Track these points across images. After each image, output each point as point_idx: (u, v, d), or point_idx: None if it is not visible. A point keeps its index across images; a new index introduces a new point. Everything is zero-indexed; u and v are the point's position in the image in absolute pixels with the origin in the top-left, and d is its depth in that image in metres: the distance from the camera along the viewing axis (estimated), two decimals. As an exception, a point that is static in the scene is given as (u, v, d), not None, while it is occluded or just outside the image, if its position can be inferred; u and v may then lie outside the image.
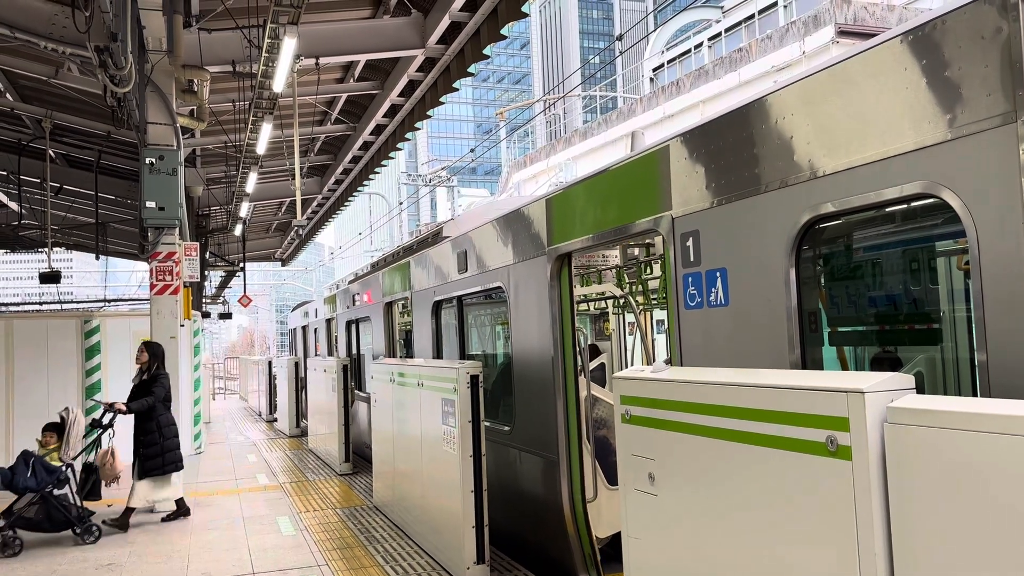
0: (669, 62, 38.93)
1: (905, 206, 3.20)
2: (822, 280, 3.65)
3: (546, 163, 33.55)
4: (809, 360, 3.55)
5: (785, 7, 31.99)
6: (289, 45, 7.67)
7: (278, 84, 8.88)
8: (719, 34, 35.95)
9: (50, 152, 14.86)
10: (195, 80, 10.23)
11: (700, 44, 36.99)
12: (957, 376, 3.21)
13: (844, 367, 3.66)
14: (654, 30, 36.67)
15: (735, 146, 3.87)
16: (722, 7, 38.75)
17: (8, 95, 12.47)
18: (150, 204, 9.11)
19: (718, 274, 4.02)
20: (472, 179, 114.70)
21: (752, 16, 33.42)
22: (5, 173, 16.05)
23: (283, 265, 34.93)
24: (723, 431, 2.95)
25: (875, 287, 3.45)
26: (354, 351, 13.99)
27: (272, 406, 20.91)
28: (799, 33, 20.87)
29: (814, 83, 3.39)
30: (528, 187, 33.84)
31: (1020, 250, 2.56)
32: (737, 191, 3.86)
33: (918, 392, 2.43)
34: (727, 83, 22.85)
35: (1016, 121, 2.56)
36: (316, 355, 18.45)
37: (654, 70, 40.16)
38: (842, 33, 19.35)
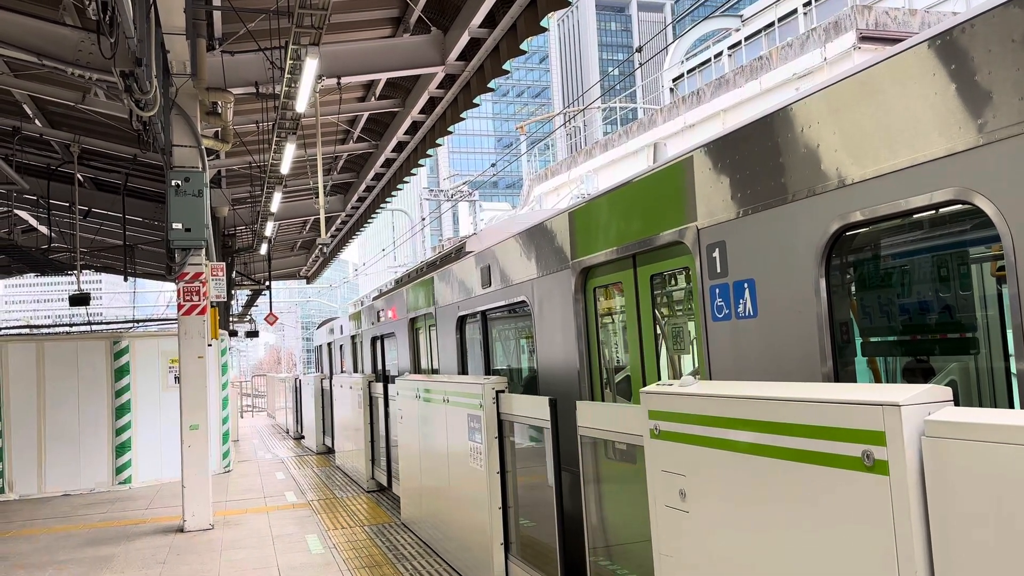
0: (689, 72, 38.87)
1: (936, 213, 3.14)
2: (853, 290, 3.59)
3: (567, 175, 33.57)
4: (841, 371, 3.48)
5: (805, 14, 31.82)
6: (311, 66, 7.74)
7: (300, 104, 8.96)
8: (739, 43, 35.84)
9: (78, 176, 15.10)
10: (219, 102, 10.35)
11: (720, 53, 36.89)
12: (992, 386, 3.13)
13: (877, 378, 3.59)
14: (673, 41, 36.62)
15: (761, 155, 3.83)
16: (741, 16, 38.63)
17: (37, 121, 12.70)
18: (177, 225, 9.21)
19: (746, 285, 3.97)
20: (493, 193, 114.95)
21: (772, 24, 33.28)
22: (35, 197, 16.33)
23: (308, 283, 35.17)
24: (755, 446, 2.90)
25: (907, 296, 3.38)
26: (379, 367, 14.02)
27: (300, 423, 21.01)
28: (820, 40, 20.73)
29: (840, 90, 3.35)
30: (549, 200, 33.87)
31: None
32: (764, 201, 3.81)
33: (955, 404, 2.36)
34: (748, 92, 22.76)
35: (1050, 124, 2.50)
36: (342, 372, 18.51)
37: (674, 80, 40.09)
38: (864, 39, 19.20)
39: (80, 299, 15.18)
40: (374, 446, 11.77)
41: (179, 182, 9.26)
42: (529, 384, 7.48)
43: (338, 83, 10.73)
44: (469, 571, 6.58)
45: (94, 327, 26.62)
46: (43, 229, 18.04)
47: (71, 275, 19.37)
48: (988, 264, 3.09)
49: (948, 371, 3.28)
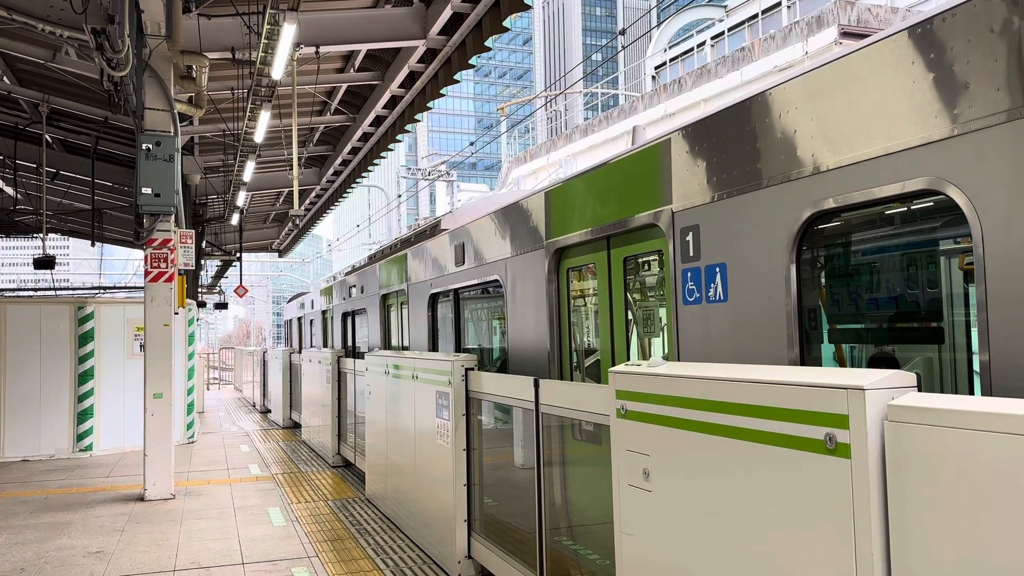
0: (671, 60, 38.86)
1: (909, 203, 3.15)
2: (823, 277, 3.60)
3: (546, 159, 33.48)
4: (808, 358, 3.50)
5: (789, 7, 31.92)
6: (288, 32, 7.61)
7: (277, 71, 8.80)
8: (722, 33, 35.89)
9: (47, 137, 14.76)
10: (194, 66, 10.15)
11: (703, 43, 36.92)
12: (955, 377, 3.16)
13: (843, 366, 3.61)
14: (656, 26, 36.53)
15: (737, 140, 3.82)
16: (725, 6, 38.65)
17: (5, 78, 12.37)
18: (146, 190, 9.03)
19: (717, 269, 3.97)
20: (472, 174, 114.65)
21: (755, 16, 33.36)
22: (1, 157, 15.95)
23: (280, 256, 34.83)
24: (720, 427, 2.90)
25: (876, 285, 3.40)
26: (349, 343, 13.94)
27: (266, 397, 20.86)
28: (802, 33, 20.81)
29: (818, 77, 3.34)
30: (528, 183, 33.79)
31: (1026, 248, 2.51)
32: (738, 186, 3.81)
33: (918, 391, 2.38)
34: (729, 82, 22.81)
35: (1024, 117, 2.51)
36: (311, 347, 18.38)
37: (656, 68, 40.08)
38: (845, 34, 19.29)
39: (45, 263, 14.88)
40: (341, 422, 11.71)
41: (150, 146, 9.08)
42: (499, 363, 7.47)
43: (316, 52, 10.57)
44: (432, 547, 6.58)
45: (59, 292, 26.16)
46: (9, 190, 17.64)
47: (36, 238, 19.00)
48: (957, 255, 3.11)
49: (914, 362, 3.30)
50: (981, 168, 2.65)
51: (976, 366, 2.96)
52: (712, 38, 36.39)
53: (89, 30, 7.03)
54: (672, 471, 3.20)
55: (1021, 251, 2.53)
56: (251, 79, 9.66)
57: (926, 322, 3.22)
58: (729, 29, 35.33)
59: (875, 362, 3.47)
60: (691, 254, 4.18)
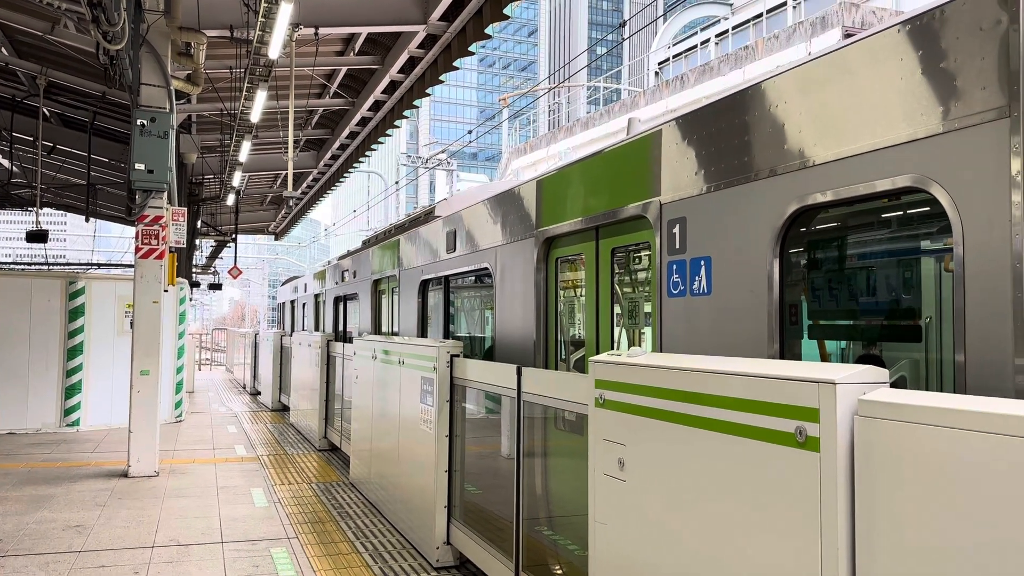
0: (675, 56, 38.77)
1: (893, 200, 3.14)
2: (806, 273, 3.59)
3: (546, 151, 33.43)
4: (788, 353, 3.49)
5: (794, 7, 31.84)
6: (285, 10, 7.56)
7: (273, 50, 8.75)
8: (726, 31, 35.79)
9: (44, 110, 14.68)
10: (192, 43, 10.09)
11: (707, 40, 36.82)
12: (940, 375, 3.15)
13: (824, 360, 3.59)
14: (660, 15, 36.35)
15: (725, 133, 3.80)
16: (731, 4, 38.53)
17: (3, 49, 12.29)
18: (139, 166, 8.98)
19: (702, 263, 3.96)
20: (472, 164, 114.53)
21: (761, 15, 33.26)
22: (-3, 129, 15.86)
23: (276, 239, 34.76)
24: (694, 418, 2.89)
25: (858, 282, 3.39)
26: (340, 327, 13.92)
27: (256, 379, 20.83)
28: (806, 34, 20.78)
29: (809, 71, 3.32)
30: (527, 174, 33.74)
31: (1006, 248, 2.50)
32: (725, 179, 3.79)
33: (894, 387, 2.37)
34: (732, 80, 22.76)
35: (1010, 116, 2.49)
36: (303, 330, 18.35)
37: (660, 64, 39.98)
38: (849, 36, 19.25)
39: (38, 236, 14.82)
40: (329, 405, 11.70)
41: (144, 122, 9.02)
42: (486, 352, 7.46)
43: (316, 33, 10.51)
44: (411, 532, 6.58)
45: (53, 268, 26.06)
46: (4, 163, 17.56)
47: (31, 212, 18.93)
48: (944, 256, 3.09)
49: (893, 357, 3.29)
50: (965, 167, 2.63)
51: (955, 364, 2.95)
52: (716, 35, 36.30)
53: (85, 2, 6.98)
54: (646, 461, 3.19)
55: (1001, 251, 2.51)
56: (248, 58, 9.60)
57: (907, 319, 3.21)
58: (734, 27, 35.25)
59: (855, 358, 3.46)
60: (677, 246, 4.16)
